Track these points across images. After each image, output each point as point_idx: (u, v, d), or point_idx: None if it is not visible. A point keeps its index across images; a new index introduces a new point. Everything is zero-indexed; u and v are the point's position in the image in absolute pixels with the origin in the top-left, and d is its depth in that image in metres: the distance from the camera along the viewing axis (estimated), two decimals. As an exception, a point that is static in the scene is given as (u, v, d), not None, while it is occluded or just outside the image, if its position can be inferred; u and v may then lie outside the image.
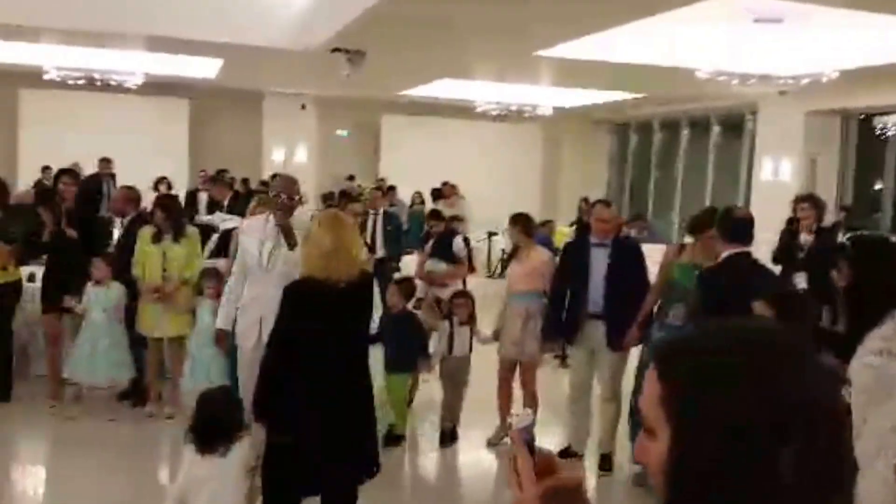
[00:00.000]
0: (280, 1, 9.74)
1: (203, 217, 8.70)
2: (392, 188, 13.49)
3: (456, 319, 5.79)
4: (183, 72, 13.62)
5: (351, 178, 15.62)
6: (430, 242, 7.26)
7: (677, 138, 16.11)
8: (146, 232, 6.26)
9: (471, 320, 5.85)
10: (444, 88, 13.82)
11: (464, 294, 6.09)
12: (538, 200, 17.22)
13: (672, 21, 7.36)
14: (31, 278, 6.84)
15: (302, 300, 3.51)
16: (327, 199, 12.43)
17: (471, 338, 5.84)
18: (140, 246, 6.25)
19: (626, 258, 5.41)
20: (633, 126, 17.62)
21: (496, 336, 5.75)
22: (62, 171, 7.19)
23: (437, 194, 13.66)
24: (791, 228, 7.18)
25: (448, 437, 5.90)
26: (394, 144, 17.12)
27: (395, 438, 5.70)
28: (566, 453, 5.42)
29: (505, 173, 17.21)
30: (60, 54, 11.65)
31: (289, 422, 3.46)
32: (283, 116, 16.34)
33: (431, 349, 5.82)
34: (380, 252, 8.38)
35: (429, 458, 5.86)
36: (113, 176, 12.01)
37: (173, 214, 6.31)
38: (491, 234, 14.20)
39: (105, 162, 12.62)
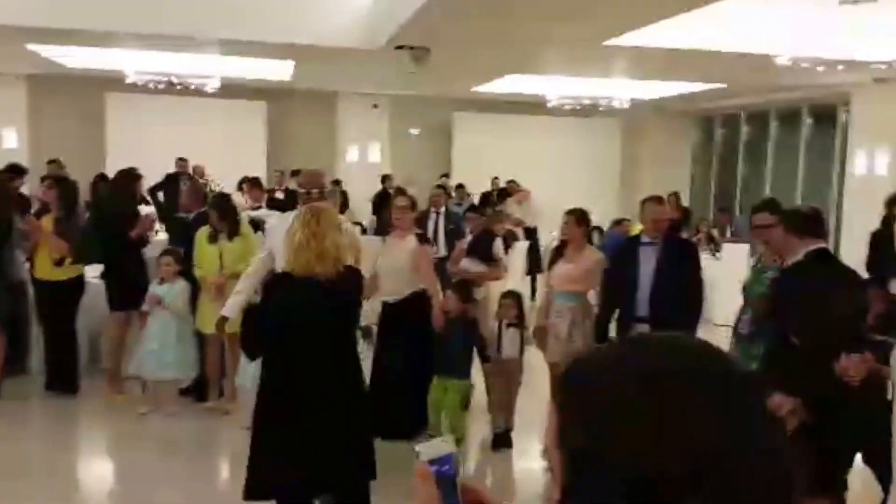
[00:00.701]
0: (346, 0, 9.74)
1: (250, 213, 8.77)
2: (460, 186, 13.24)
3: (504, 320, 5.61)
4: (259, 75, 13.83)
5: (445, 175, 15.51)
6: (469, 239, 7.02)
7: (766, 131, 15.37)
8: (203, 232, 6.35)
9: (519, 321, 5.64)
10: (514, 84, 13.57)
11: (511, 294, 5.87)
12: (615, 198, 16.76)
13: (750, 4, 6.93)
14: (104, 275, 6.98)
15: (276, 294, 3.54)
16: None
17: (521, 338, 5.63)
18: (198, 246, 6.33)
19: (678, 258, 5.11)
20: (718, 118, 16.92)
21: (536, 335, 5.55)
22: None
23: (505, 193, 13.28)
24: (885, 230, 6.66)
25: (500, 442, 5.71)
26: (465, 142, 16.95)
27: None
28: None
29: (581, 170, 16.81)
30: (141, 59, 11.99)
31: (273, 418, 3.45)
32: (356, 116, 16.42)
33: None
34: (441, 251, 8.22)
35: (479, 464, 5.65)
36: (190, 175, 12.26)
37: (227, 214, 6.36)
38: (565, 234, 13.87)
39: (182, 161, 12.90)
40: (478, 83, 13.90)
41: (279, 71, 13.23)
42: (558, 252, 5.65)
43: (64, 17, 9.33)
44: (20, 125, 15.42)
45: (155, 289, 6.29)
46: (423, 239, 5.98)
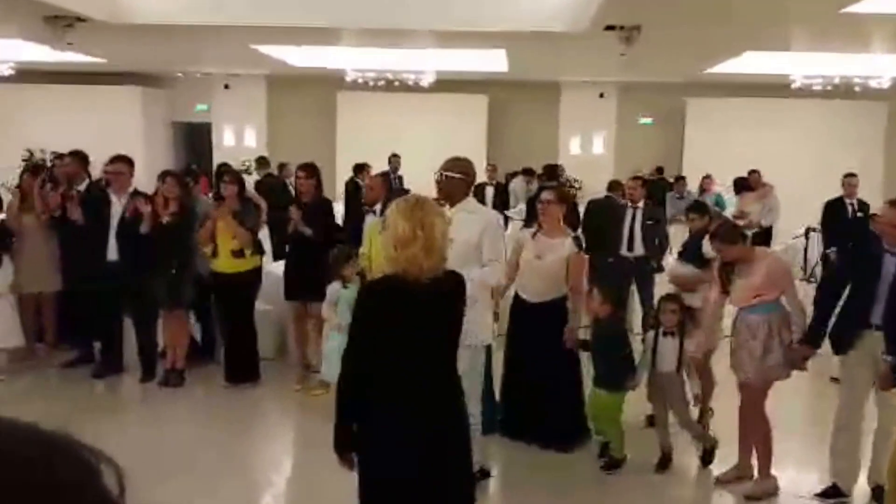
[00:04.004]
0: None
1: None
2: (680, 179, 11.98)
3: (661, 328, 4.90)
4: (475, 67, 13.65)
5: (659, 169, 14.35)
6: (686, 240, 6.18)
7: None
8: (375, 224, 6.10)
9: (680, 330, 4.87)
10: (754, 64, 12.12)
11: (673, 298, 5.06)
12: (879, 190, 14.51)
13: None
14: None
15: (379, 305, 2.86)
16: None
17: (681, 351, 4.86)
18: (368, 238, 6.12)
19: None
20: None
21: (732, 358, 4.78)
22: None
23: (742, 185, 11.85)
24: None
25: (662, 465, 5.04)
26: (700, 129, 15.56)
27: (611, 461, 5.01)
28: (831, 494, 4.54)
29: (833, 159, 14.76)
30: (360, 57, 12.28)
31: (379, 456, 2.85)
32: (580, 106, 15.74)
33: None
34: (638, 250, 7.40)
35: (638, 485, 4.92)
36: (385, 172, 12.33)
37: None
38: (810, 231, 12.17)
39: (395, 157, 13.05)
40: (709, 64, 12.62)
41: (495, 63, 12.96)
42: (725, 268, 4.74)
43: (282, 15, 9.69)
44: (260, 124, 16.57)
45: (338, 290, 6.03)
46: (579, 243, 5.32)
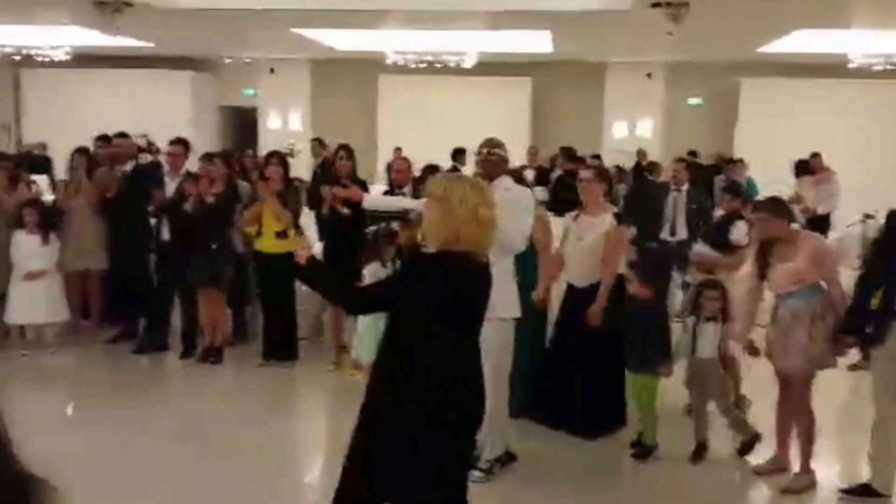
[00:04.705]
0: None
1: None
2: (736, 161, 11.54)
3: (702, 314, 4.74)
4: (520, 48, 13.49)
5: (692, 153, 13.94)
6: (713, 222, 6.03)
7: None
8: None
9: (722, 317, 4.73)
10: (810, 42, 11.73)
11: (715, 284, 4.87)
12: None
13: None
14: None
15: (446, 277, 2.77)
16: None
17: (722, 337, 4.74)
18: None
19: None
20: None
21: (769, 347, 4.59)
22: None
23: (804, 168, 11.24)
24: None
25: (698, 455, 4.90)
26: (754, 111, 15.13)
27: (642, 449, 4.89)
28: (866, 492, 4.30)
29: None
30: (401, 40, 12.23)
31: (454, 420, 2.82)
32: (626, 88, 15.45)
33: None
34: (680, 234, 7.24)
35: (669, 475, 4.79)
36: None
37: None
38: (867, 217, 11.73)
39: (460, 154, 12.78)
40: (762, 43, 12.25)
41: (539, 44, 12.79)
42: (763, 251, 4.55)
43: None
44: (304, 107, 16.67)
45: (377, 271, 6.02)
46: (620, 218, 5.19)
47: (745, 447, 4.88)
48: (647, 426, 4.88)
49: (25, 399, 5.96)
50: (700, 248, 5.99)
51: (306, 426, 5.79)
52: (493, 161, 4.44)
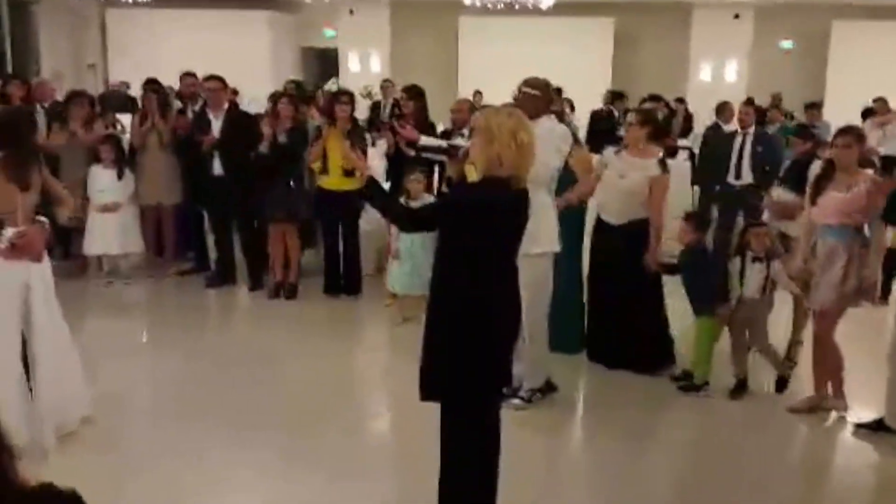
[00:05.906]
0: None
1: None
2: (813, 105, 11.08)
3: (749, 254, 4.74)
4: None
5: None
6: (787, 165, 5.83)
7: None
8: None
9: (769, 256, 4.72)
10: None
11: (762, 224, 4.90)
12: None
13: None
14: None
15: (489, 202, 2.94)
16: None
17: (767, 278, 4.73)
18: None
19: None
20: None
21: (799, 281, 4.63)
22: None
23: (869, 113, 11.02)
24: None
25: (738, 391, 4.97)
26: (846, 55, 14.34)
27: (690, 384, 4.99)
28: (878, 427, 4.38)
29: None
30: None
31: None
32: (713, 29, 14.84)
33: None
34: (746, 178, 7.02)
35: (709, 410, 4.85)
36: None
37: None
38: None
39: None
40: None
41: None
42: (825, 177, 4.43)
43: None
44: (384, 50, 16.65)
45: (425, 199, 6.19)
46: (664, 166, 5.10)
47: (782, 382, 4.96)
48: (699, 365, 4.94)
49: (100, 325, 6.33)
50: (779, 193, 5.85)
51: (371, 357, 5.97)
52: (519, 100, 4.48)
